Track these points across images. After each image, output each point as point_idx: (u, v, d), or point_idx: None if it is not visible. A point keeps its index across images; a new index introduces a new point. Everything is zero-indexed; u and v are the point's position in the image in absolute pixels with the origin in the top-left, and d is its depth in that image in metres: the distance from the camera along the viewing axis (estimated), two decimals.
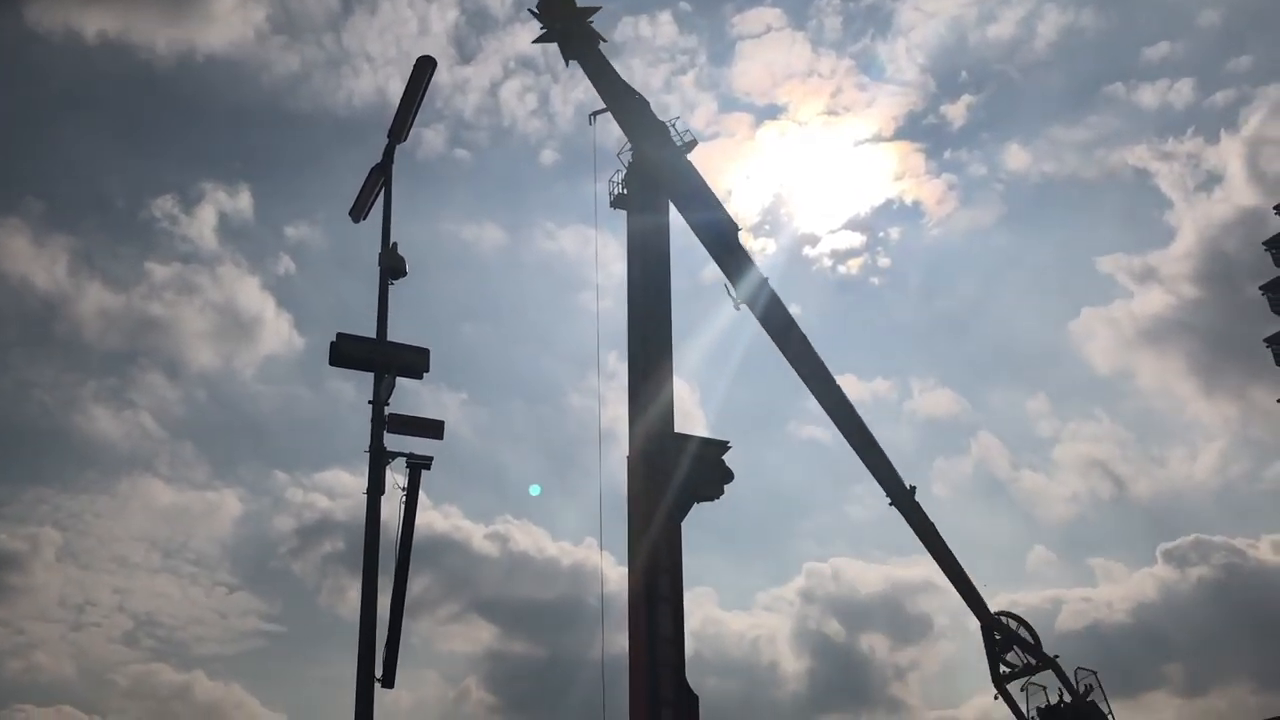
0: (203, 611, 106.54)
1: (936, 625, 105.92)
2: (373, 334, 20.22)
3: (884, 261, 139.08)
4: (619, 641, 36.79)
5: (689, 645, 36.36)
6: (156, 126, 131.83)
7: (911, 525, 42.62)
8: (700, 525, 39.25)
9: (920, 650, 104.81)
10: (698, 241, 42.19)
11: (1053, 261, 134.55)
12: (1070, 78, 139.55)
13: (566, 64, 41.80)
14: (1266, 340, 69.36)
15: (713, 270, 42.05)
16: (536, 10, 41.29)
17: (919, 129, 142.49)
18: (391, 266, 20.65)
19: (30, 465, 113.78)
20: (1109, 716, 41.92)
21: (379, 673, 18.05)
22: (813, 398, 42.01)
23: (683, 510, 37.39)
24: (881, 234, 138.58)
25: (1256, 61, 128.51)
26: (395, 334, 20.35)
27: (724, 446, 38.78)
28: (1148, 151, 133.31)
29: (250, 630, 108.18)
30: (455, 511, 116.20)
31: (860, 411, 42.22)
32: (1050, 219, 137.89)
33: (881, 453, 42.40)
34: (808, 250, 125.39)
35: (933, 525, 42.83)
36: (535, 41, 41.92)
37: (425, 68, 20.41)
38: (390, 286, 20.88)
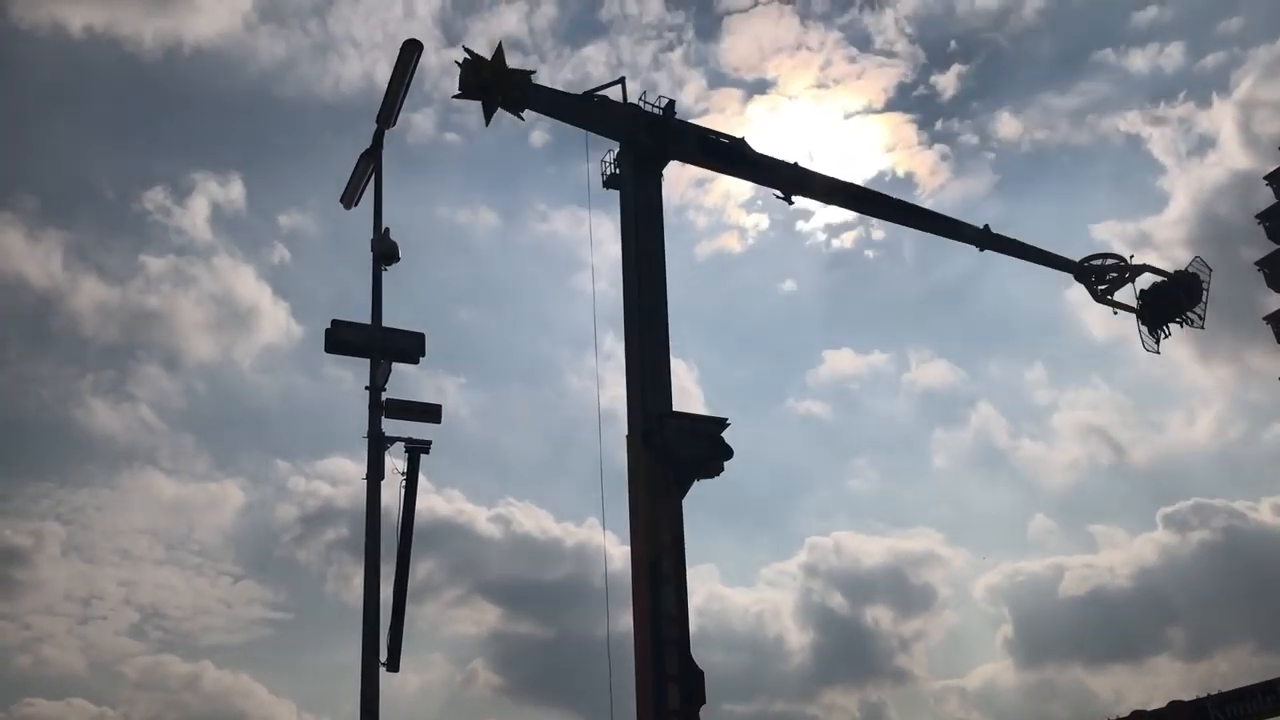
0: (208, 602, 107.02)
1: (940, 596, 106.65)
2: (369, 320, 20.22)
3: (878, 234, 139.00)
4: (624, 620, 36.97)
5: (694, 622, 36.53)
6: (146, 118, 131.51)
7: (1007, 252, 50.36)
8: (702, 502, 39.48)
9: (924, 621, 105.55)
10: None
11: (1047, 229, 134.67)
12: (1060, 45, 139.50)
13: (522, 119, 39.91)
14: (1258, 263, 70.32)
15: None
16: (461, 93, 38.96)
17: (910, 100, 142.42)
18: (384, 252, 20.65)
19: (31, 460, 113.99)
20: (1204, 287, 50.61)
21: (383, 657, 18.19)
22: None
23: (683, 488, 37.46)
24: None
25: (1246, 23, 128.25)
26: (393, 319, 20.35)
27: (723, 423, 38.85)
28: (1140, 117, 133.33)
29: (256, 619, 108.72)
30: (458, 495, 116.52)
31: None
32: (1043, 187, 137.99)
33: (954, 220, 50.24)
34: (801, 225, 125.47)
35: (1017, 241, 50.89)
36: (488, 122, 39.47)
37: (411, 52, 20.37)
38: (385, 272, 20.91)
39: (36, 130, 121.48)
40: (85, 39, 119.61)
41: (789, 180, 45.62)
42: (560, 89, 42.63)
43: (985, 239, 49.80)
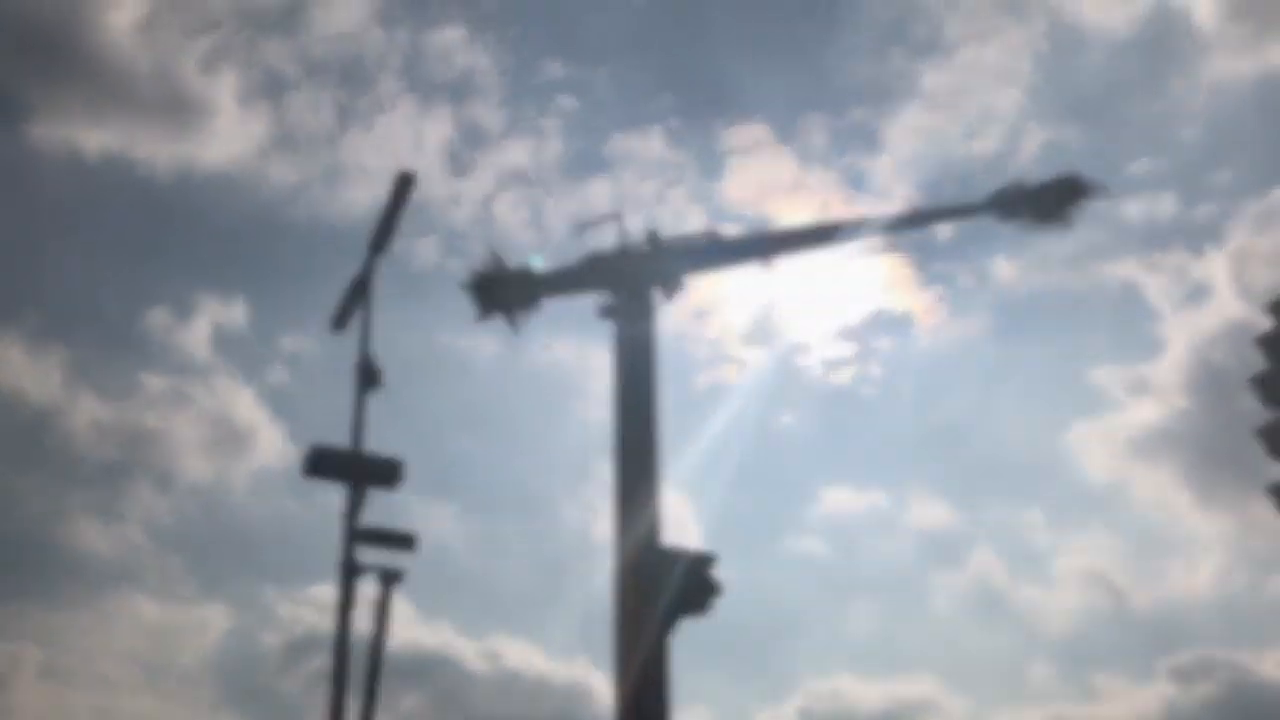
0: None
1: None
2: (365, 446, 19.91)
3: (875, 371, 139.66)
4: None
5: None
6: (154, 239, 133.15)
7: (942, 219, 53.38)
8: (696, 642, 38.32)
9: None
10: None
11: (1044, 373, 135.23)
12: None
13: (538, 309, 40.81)
14: (1257, 431, 70.18)
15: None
16: (481, 316, 39.90)
17: (906, 241, 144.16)
18: (367, 376, 20.56)
19: (15, 580, 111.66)
20: (1090, 195, 54.03)
21: None
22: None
23: (668, 626, 36.60)
24: (872, 343, 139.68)
25: (1236, 176, 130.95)
26: (387, 445, 19.91)
27: (710, 559, 38.20)
28: (1135, 264, 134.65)
29: None
30: (446, 627, 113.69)
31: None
32: (1040, 331, 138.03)
33: (893, 217, 54.85)
34: (799, 359, 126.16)
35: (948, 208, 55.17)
36: (518, 331, 40.04)
37: (405, 183, 20.66)
38: (374, 396, 20.70)
39: (44, 248, 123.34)
40: (99, 161, 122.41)
41: (765, 247, 47.16)
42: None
43: (920, 217, 53.35)
